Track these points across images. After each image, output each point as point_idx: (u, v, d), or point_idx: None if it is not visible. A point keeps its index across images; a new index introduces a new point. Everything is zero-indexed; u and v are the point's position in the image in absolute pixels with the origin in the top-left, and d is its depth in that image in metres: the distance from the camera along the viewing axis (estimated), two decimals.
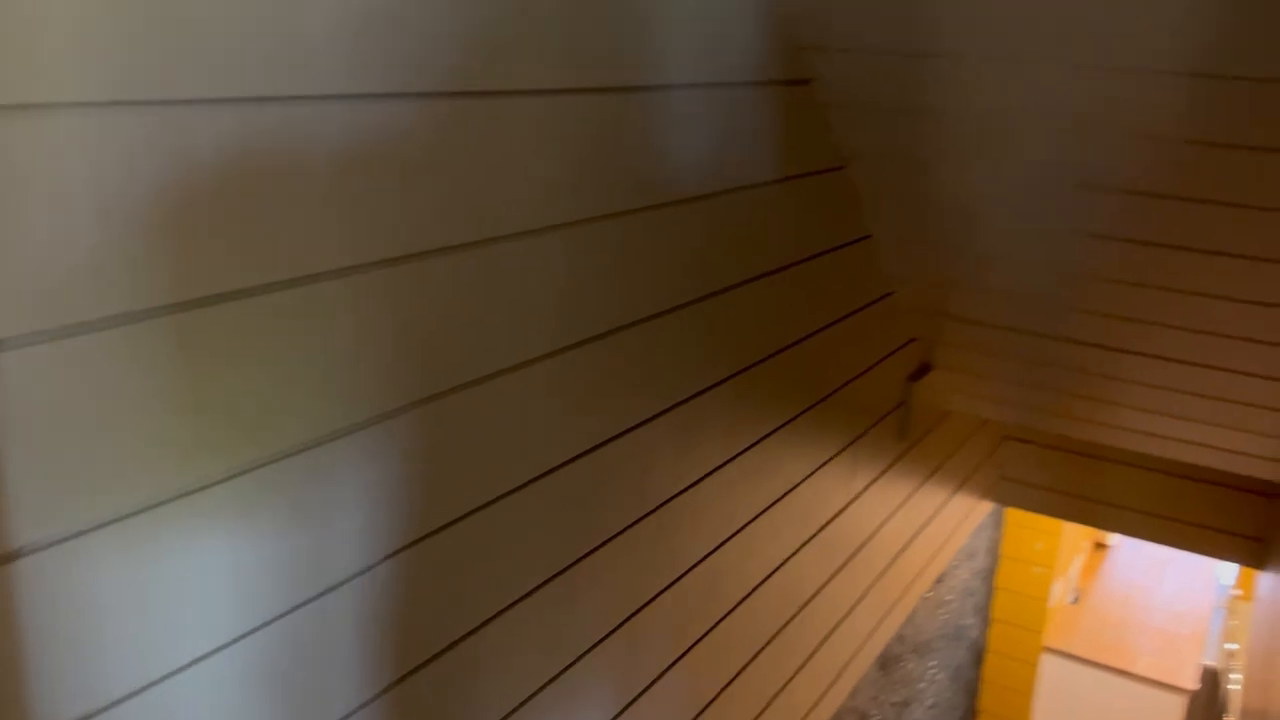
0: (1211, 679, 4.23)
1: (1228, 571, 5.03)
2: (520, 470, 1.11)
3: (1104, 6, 1.22)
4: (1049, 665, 4.29)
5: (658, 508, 1.40)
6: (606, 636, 1.35)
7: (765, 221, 1.52)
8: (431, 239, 0.92)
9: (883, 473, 2.33)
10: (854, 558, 2.26)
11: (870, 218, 1.89)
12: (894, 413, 2.32)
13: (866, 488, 2.24)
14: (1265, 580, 2.80)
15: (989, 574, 4.21)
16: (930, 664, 3.62)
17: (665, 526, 1.43)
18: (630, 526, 1.35)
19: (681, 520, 1.48)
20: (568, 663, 1.28)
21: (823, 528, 2.04)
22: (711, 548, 1.60)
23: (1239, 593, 5.22)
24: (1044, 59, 1.34)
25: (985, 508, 3.46)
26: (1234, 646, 4.55)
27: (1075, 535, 4.57)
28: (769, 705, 1.99)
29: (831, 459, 2.02)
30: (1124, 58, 1.28)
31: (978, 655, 4.33)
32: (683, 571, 1.52)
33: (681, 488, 1.46)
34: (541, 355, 1.10)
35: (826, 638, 2.22)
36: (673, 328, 1.34)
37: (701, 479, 1.52)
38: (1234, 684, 4.36)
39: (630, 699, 1.46)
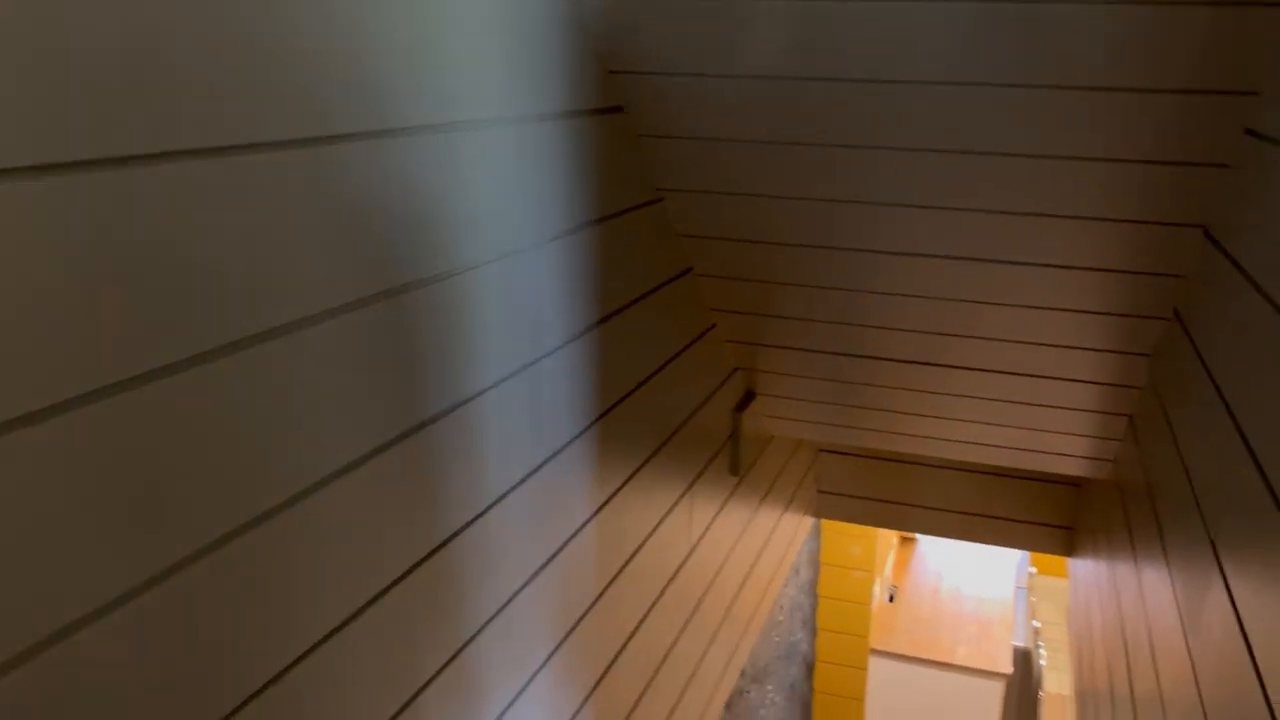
0: (1023, 658, 4.41)
1: (1025, 553, 5.30)
2: (362, 592, 0.88)
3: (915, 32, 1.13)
4: (875, 667, 4.35)
5: (511, 599, 1.20)
6: None
7: (592, 265, 1.35)
8: (181, 348, 0.68)
9: (718, 512, 2.21)
10: (699, 607, 2.13)
11: (690, 250, 1.77)
12: (725, 447, 2.21)
13: (705, 531, 2.11)
14: (1078, 565, 2.89)
15: (813, 585, 4.21)
16: (768, 688, 3.56)
17: (514, 621, 1.23)
18: (484, 627, 1.14)
19: (536, 607, 1.28)
20: None
21: (668, 584, 1.89)
22: (568, 629, 1.41)
23: (1035, 571, 5.52)
24: (847, 80, 1.24)
25: (808, 524, 3.43)
26: (1038, 624, 4.78)
27: (887, 534, 4.67)
28: None
29: (673, 508, 1.87)
30: (926, 73, 1.20)
31: (809, 668, 4.33)
32: (540, 663, 1.32)
33: (537, 568, 1.26)
34: (360, 457, 0.88)
35: (681, 695, 2.07)
36: (513, 394, 1.14)
37: (557, 552, 1.33)
38: (1043, 659, 4.57)
39: None
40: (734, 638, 2.49)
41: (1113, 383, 1.92)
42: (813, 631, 4.33)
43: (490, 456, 1.13)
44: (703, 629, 2.18)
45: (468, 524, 1.10)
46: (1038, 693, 4.51)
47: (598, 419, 1.44)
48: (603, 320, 1.42)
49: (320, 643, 0.87)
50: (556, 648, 1.39)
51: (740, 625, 2.54)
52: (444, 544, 1.05)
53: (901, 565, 5.04)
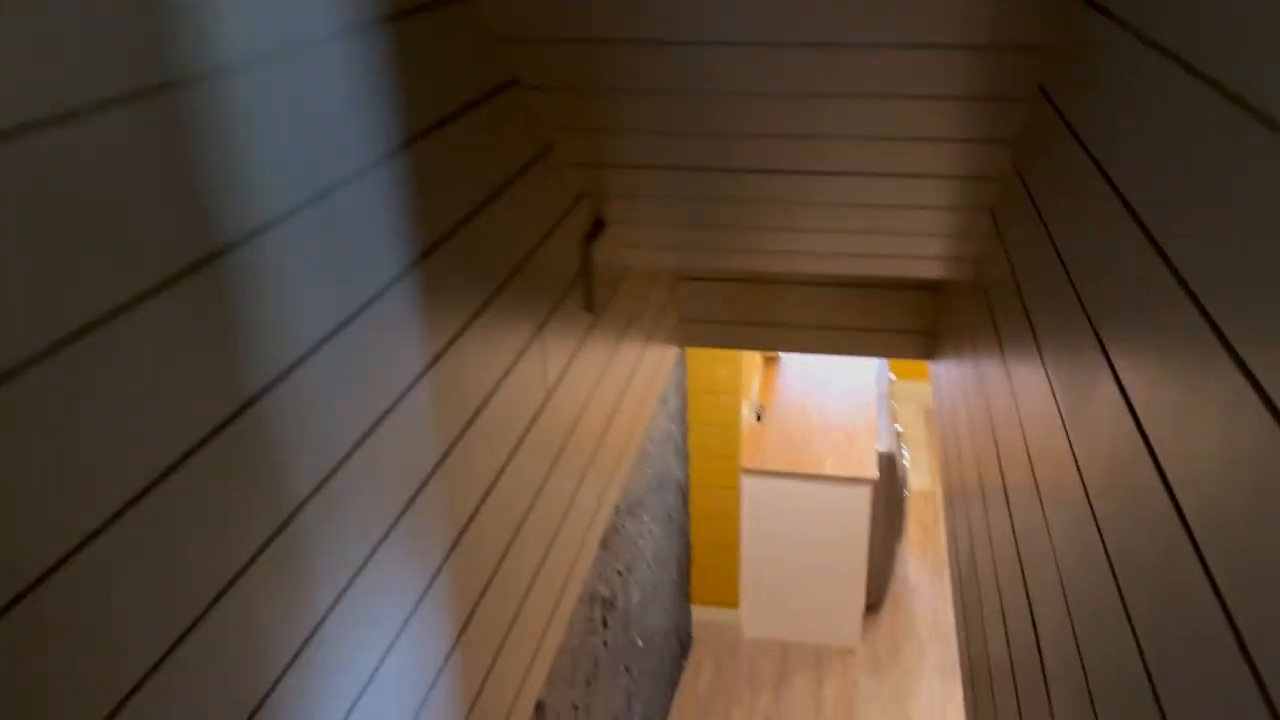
0: (888, 462, 4.55)
1: (884, 362, 5.42)
2: (141, 472, 0.70)
3: None
4: (748, 485, 4.42)
5: (338, 466, 1.03)
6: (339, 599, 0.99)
7: (391, 73, 1.13)
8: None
9: (575, 352, 2.07)
10: (564, 451, 2.01)
11: (517, 58, 1.55)
12: (577, 282, 2.05)
13: (562, 374, 1.97)
14: (940, 369, 2.91)
15: (682, 413, 4.19)
16: (644, 519, 3.55)
17: (344, 490, 1.07)
18: (306, 502, 0.98)
19: (369, 473, 1.12)
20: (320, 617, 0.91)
21: (526, 432, 1.76)
22: (413, 492, 1.26)
23: (894, 378, 5.67)
24: None
25: (672, 354, 3.35)
26: (900, 429, 4.93)
27: (752, 356, 4.67)
28: (511, 627, 1.73)
29: (523, 353, 1.72)
30: None
31: (684, 494, 4.36)
32: (384, 531, 1.17)
33: (365, 430, 1.10)
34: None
35: (553, 539, 1.98)
36: (303, 230, 0.94)
37: (387, 412, 1.16)
38: (906, 460, 4.73)
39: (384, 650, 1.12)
40: (604, 476, 2.41)
41: (972, 175, 1.83)
42: (685, 458, 4.34)
43: (284, 308, 0.94)
44: (569, 472, 2.07)
45: (266, 389, 0.91)
46: (903, 492, 4.70)
47: (420, 258, 1.25)
48: (410, 142, 1.21)
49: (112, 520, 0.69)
50: (401, 513, 1.24)
51: (610, 463, 2.46)
52: (237, 415, 0.87)
53: (767, 385, 5.08)
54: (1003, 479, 1.66)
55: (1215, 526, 0.70)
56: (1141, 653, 0.88)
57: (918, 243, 2.25)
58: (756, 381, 4.90)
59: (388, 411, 1.19)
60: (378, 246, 1.13)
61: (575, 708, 2.71)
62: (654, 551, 3.75)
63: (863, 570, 4.51)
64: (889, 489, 4.63)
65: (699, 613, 4.69)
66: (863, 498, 4.38)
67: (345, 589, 1.11)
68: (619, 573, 3.16)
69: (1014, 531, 1.50)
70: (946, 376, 2.72)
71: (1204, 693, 0.70)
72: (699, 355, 4.17)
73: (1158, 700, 0.82)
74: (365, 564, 1.15)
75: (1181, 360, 0.76)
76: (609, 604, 3.03)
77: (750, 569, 4.59)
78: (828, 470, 4.36)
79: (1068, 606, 1.17)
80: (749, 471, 4.40)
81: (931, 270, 2.40)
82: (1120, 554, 0.92)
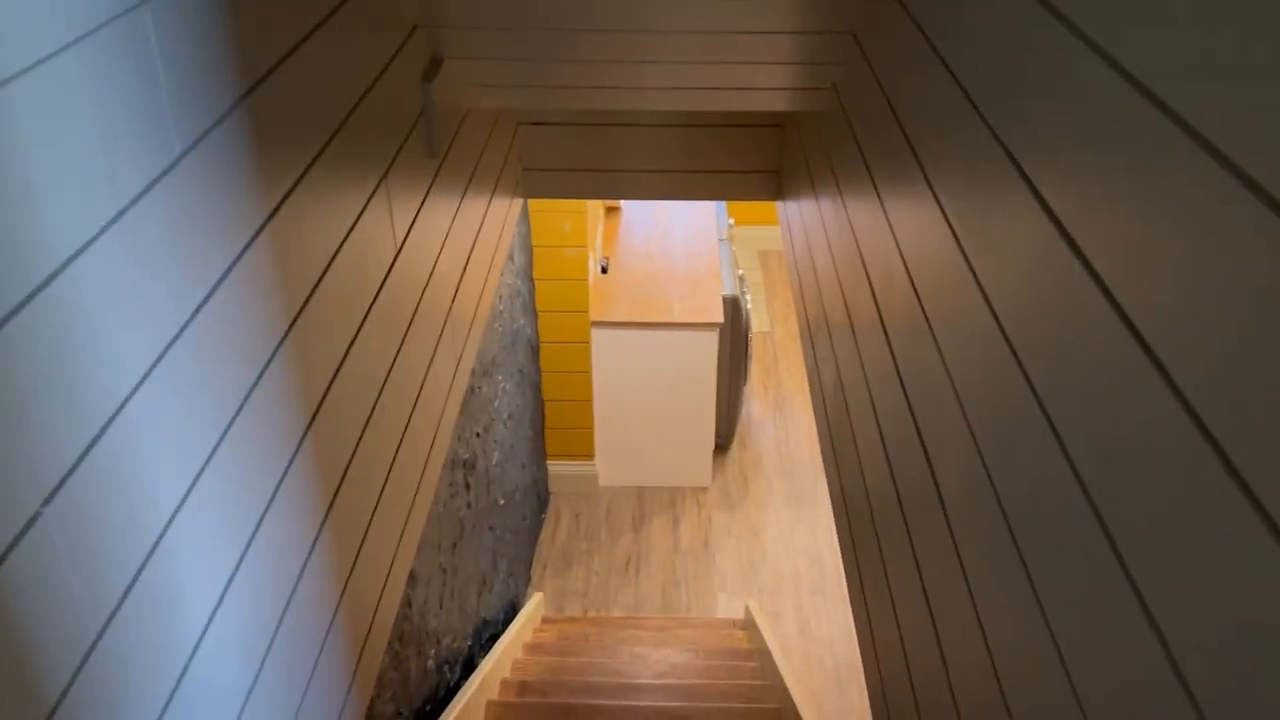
0: (733, 305, 4.59)
1: (722, 206, 5.40)
2: None
3: None
4: (598, 339, 4.38)
5: (165, 351, 0.89)
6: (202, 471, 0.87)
7: None
8: None
9: (422, 203, 1.91)
10: (419, 310, 1.88)
11: None
12: (417, 126, 1.87)
13: (410, 228, 1.82)
14: (789, 208, 2.89)
15: (528, 269, 4.07)
16: (498, 379, 3.46)
17: (174, 378, 0.92)
18: (132, 394, 0.83)
19: (201, 356, 0.97)
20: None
21: (377, 295, 1.61)
22: (255, 375, 1.12)
23: (733, 222, 5.68)
24: None
25: (517, 206, 3.20)
26: (741, 272, 4.96)
27: (595, 207, 4.55)
28: (378, 504, 1.63)
29: (366, 206, 1.55)
30: None
31: (535, 351, 4.28)
32: (226, 422, 1.04)
33: (191, 309, 0.94)
34: None
35: (413, 409, 1.87)
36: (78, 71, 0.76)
37: (216, 286, 1.01)
38: (748, 304, 4.79)
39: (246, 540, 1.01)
40: (459, 338, 2.29)
41: None
42: (534, 315, 4.24)
43: (74, 159, 0.77)
44: (425, 336, 1.94)
45: (55, 274, 0.75)
46: (747, 334, 4.77)
47: (235, 104, 1.07)
48: None
49: None
50: (244, 401, 1.10)
51: (464, 324, 2.34)
52: (34, 295, 0.71)
53: (610, 236, 4.99)
54: (878, 307, 1.65)
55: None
56: (984, 460, 0.93)
57: (767, 72, 2.16)
58: (600, 232, 4.80)
59: (221, 280, 1.03)
60: (185, 92, 0.95)
61: (444, 571, 2.66)
62: (510, 410, 3.68)
63: (712, 412, 4.60)
64: (733, 333, 4.68)
65: (556, 467, 4.70)
66: (710, 343, 4.42)
67: (192, 484, 0.98)
68: (477, 434, 3.08)
69: (895, 361, 1.49)
70: (799, 214, 2.70)
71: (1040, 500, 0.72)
72: (542, 208, 4.03)
73: (999, 502, 0.84)
74: (212, 454, 1.02)
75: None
76: (469, 466, 2.96)
77: (603, 420, 4.61)
78: (675, 318, 4.36)
79: (919, 426, 1.20)
80: (599, 324, 4.35)
81: (783, 102, 2.32)
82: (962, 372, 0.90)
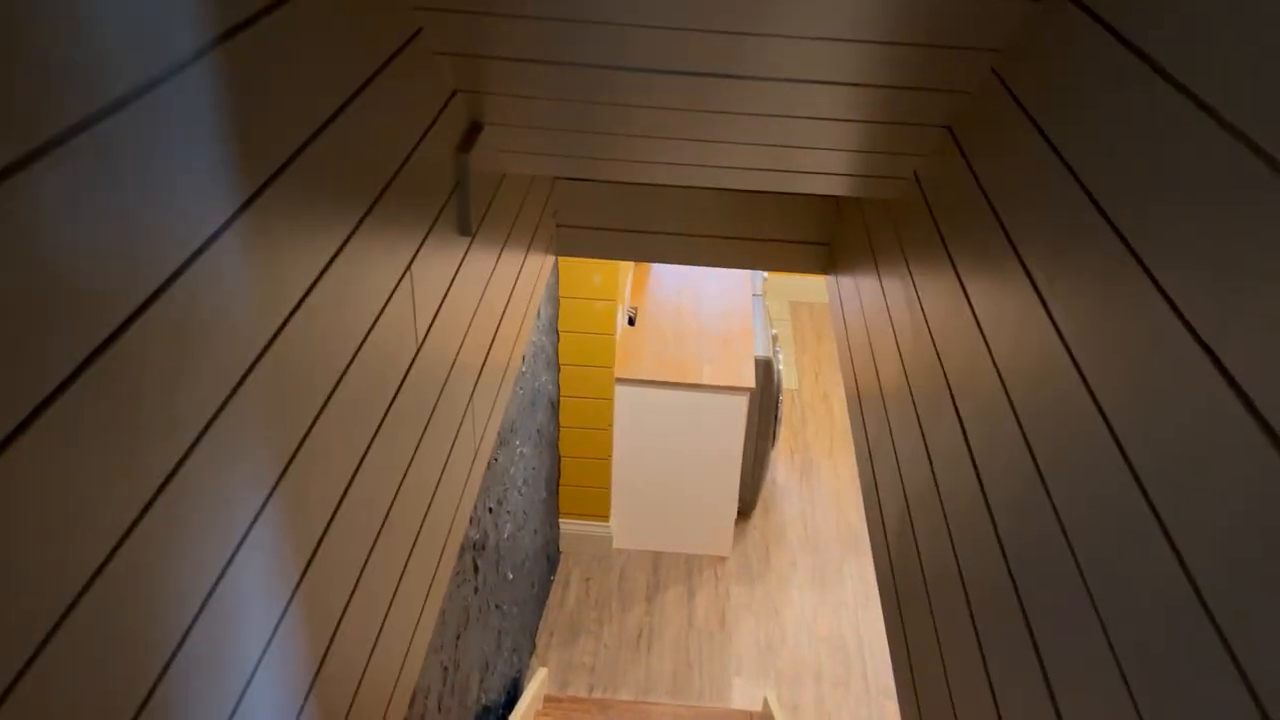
0: (765, 367, 4.37)
1: None
2: None
3: None
4: (622, 396, 4.15)
5: (216, 415, 0.67)
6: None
7: None
8: None
9: (449, 287, 1.70)
10: (438, 405, 1.66)
11: None
12: (450, 202, 1.66)
13: (435, 316, 1.61)
14: (843, 283, 2.67)
15: (554, 322, 3.85)
16: (516, 444, 3.24)
17: (205, 468, 0.71)
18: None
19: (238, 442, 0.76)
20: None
21: (394, 397, 1.40)
22: (266, 490, 0.90)
23: (766, 275, 5.46)
24: None
25: (549, 265, 2.99)
26: (775, 332, 4.75)
27: None
28: (380, 633, 1.41)
29: (392, 295, 1.35)
30: None
31: (555, 407, 4.06)
32: (254, 514, 0.82)
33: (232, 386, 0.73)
34: None
35: (425, 515, 1.65)
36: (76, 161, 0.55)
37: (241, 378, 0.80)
38: (780, 364, 4.56)
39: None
40: (480, 427, 2.07)
41: (932, 86, 1.53)
42: (557, 369, 4.03)
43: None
44: (442, 437, 1.73)
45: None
46: (778, 397, 4.54)
47: (263, 187, 0.86)
48: (228, 35, 0.80)
49: None
50: (274, 488, 0.89)
51: (485, 407, 2.12)
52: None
53: (639, 285, 4.78)
54: (951, 392, 1.47)
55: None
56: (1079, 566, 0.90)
57: (842, 159, 1.95)
58: (629, 282, 4.59)
59: (221, 408, 0.82)
60: (203, 178, 0.74)
61: (446, 669, 2.43)
62: (525, 476, 3.46)
63: (736, 479, 4.36)
64: (764, 396, 4.46)
65: (569, 526, 4.46)
66: (739, 407, 4.19)
67: (190, 625, 0.76)
68: (490, 509, 2.86)
69: (969, 447, 1.32)
70: (855, 290, 2.48)
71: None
72: (572, 259, 3.82)
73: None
74: (217, 582, 0.80)
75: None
76: (480, 547, 2.73)
77: (621, 480, 4.38)
78: (705, 380, 4.13)
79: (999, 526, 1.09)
80: (624, 381, 4.13)
81: (852, 189, 2.11)
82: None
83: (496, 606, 3.08)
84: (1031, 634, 1.06)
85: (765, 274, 5.22)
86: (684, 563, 4.49)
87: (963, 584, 1.36)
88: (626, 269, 4.37)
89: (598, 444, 4.26)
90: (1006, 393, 1.22)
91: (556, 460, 4.23)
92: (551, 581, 4.33)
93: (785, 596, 4.34)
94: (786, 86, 1.59)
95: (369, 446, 1.31)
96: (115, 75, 0.65)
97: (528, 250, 2.50)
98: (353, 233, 1.17)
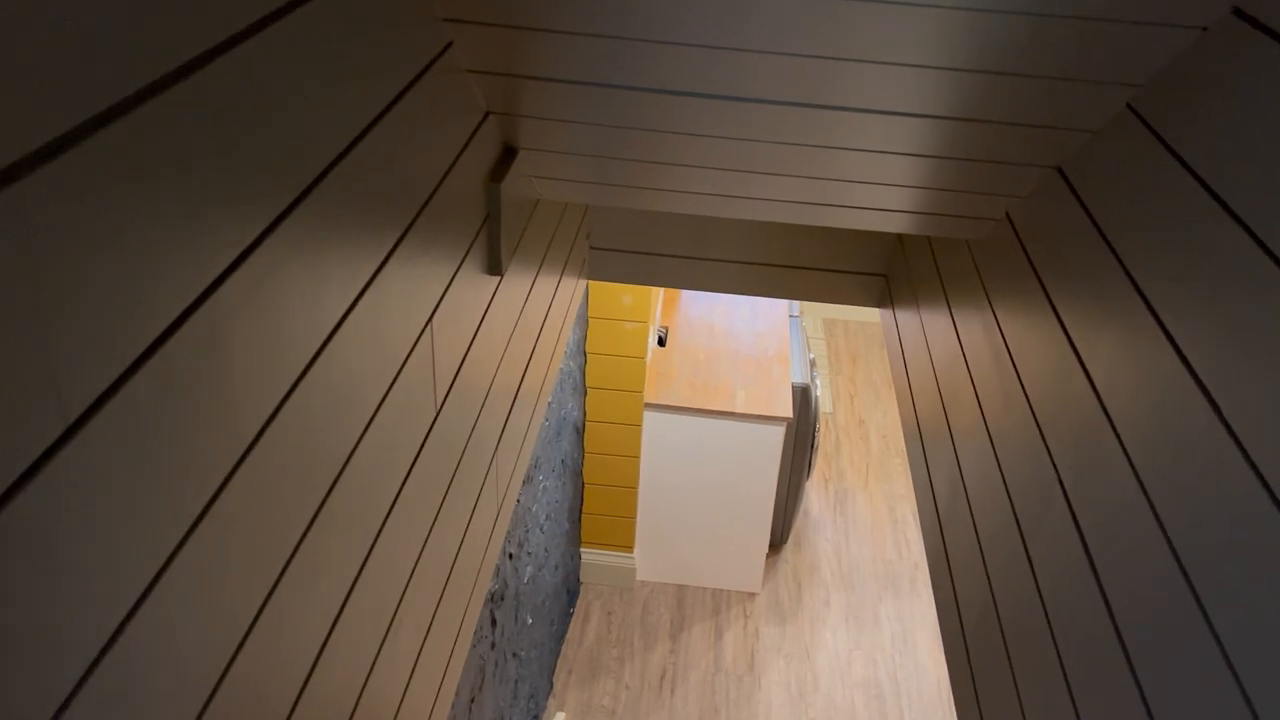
0: (802, 394, 4.14)
1: None
2: None
3: None
4: (651, 422, 3.93)
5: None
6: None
7: None
8: None
9: (474, 337, 1.48)
10: (459, 468, 1.45)
11: None
12: (479, 238, 1.45)
13: (457, 374, 1.39)
14: (900, 317, 2.44)
15: (581, 345, 3.64)
16: (539, 479, 3.02)
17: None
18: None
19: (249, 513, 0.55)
20: None
21: (410, 471, 1.19)
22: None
23: None
24: None
25: (580, 292, 2.77)
26: (813, 357, 4.51)
27: None
28: (420, 655, 1.20)
29: (412, 352, 1.13)
30: None
31: (580, 433, 3.85)
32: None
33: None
34: None
35: (442, 595, 1.44)
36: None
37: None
38: (818, 390, 4.33)
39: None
40: (503, 484, 1.86)
41: (1046, 124, 1.30)
42: (583, 393, 3.81)
43: None
44: (462, 504, 1.52)
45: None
46: (815, 426, 4.31)
47: (279, 218, 0.65)
48: (232, 41, 0.59)
49: None
50: (268, 599, 0.68)
51: (510, 463, 1.90)
52: None
53: (670, 304, 4.56)
54: (1041, 435, 1.29)
55: None
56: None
57: (919, 196, 1.72)
58: (660, 300, 4.37)
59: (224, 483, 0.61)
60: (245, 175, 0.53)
61: None
62: (548, 512, 3.24)
63: (769, 512, 4.13)
64: (800, 425, 4.23)
65: (590, 556, 4.25)
66: (775, 437, 3.97)
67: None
68: (510, 555, 2.64)
69: (1066, 495, 1.14)
70: (917, 325, 2.25)
71: None
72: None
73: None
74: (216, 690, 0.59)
75: None
76: (499, 599, 2.52)
77: (647, 510, 4.15)
78: (739, 407, 3.91)
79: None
80: (653, 407, 3.91)
81: (918, 226, 1.88)
82: None
83: (514, 655, 2.86)
84: (1140, 689, 0.97)
85: None
86: (710, 598, 4.27)
87: (1050, 628, 1.27)
88: (657, 288, 4.15)
89: (624, 472, 4.04)
90: (1121, 444, 1.10)
91: (580, 488, 4.01)
92: (571, 614, 4.12)
93: (818, 638, 4.11)
94: (864, 117, 1.36)
95: (379, 533, 1.10)
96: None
97: (560, 278, 2.29)
98: (366, 287, 0.96)
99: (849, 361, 5.96)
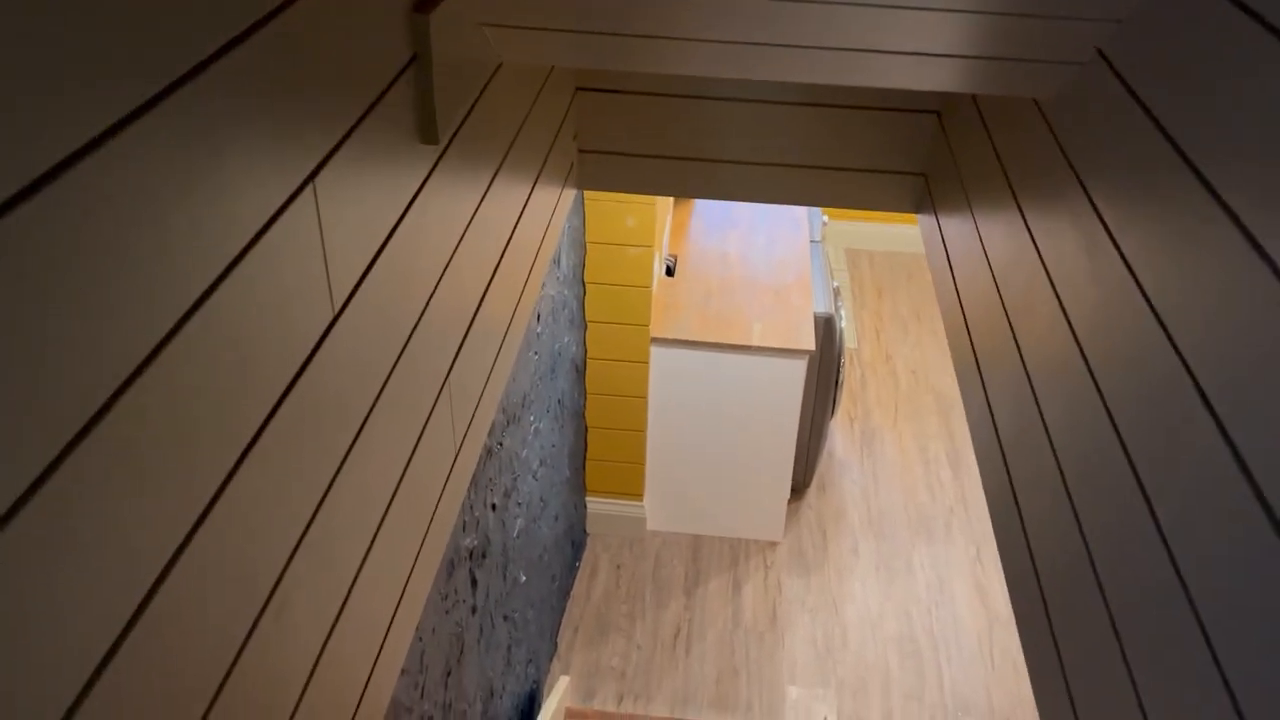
0: (825, 325, 3.76)
1: None
2: None
3: None
4: (658, 358, 3.58)
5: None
6: None
7: None
8: None
9: (404, 212, 1.12)
10: (400, 364, 1.10)
11: None
12: (400, 81, 1.07)
13: (370, 265, 1.03)
14: (945, 223, 2.05)
15: (578, 273, 3.27)
16: (529, 420, 2.68)
17: None
18: None
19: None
20: None
21: (330, 327, 0.83)
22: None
23: (827, 219, 4.83)
24: None
25: (566, 201, 2.40)
26: (837, 284, 4.13)
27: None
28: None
29: (293, 198, 0.77)
30: None
31: (580, 371, 3.49)
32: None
33: None
34: None
35: (395, 493, 1.10)
36: None
37: None
38: (843, 321, 3.95)
39: None
40: (462, 425, 1.50)
41: None
42: (583, 327, 3.45)
43: None
44: (404, 416, 1.16)
45: None
46: (840, 360, 3.94)
47: None
48: None
49: None
50: None
51: (472, 390, 1.55)
52: None
53: (679, 229, 4.17)
54: (1179, 357, 0.89)
55: None
56: None
57: (984, 30, 1.33)
58: (668, 225, 3.99)
59: None
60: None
61: (433, 714, 1.90)
62: (542, 457, 2.90)
63: (790, 454, 3.78)
64: (823, 358, 3.86)
65: (596, 505, 3.92)
66: (796, 372, 3.60)
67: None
68: (493, 506, 2.30)
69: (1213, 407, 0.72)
70: (970, 232, 1.87)
71: None
72: (602, 196, 3.22)
73: None
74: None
75: None
76: (479, 556, 2.18)
77: (657, 454, 3.81)
78: (755, 341, 3.54)
79: None
80: (660, 341, 3.55)
81: (976, 80, 1.49)
82: None
83: (505, 617, 2.54)
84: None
85: (826, 217, 4.58)
86: (728, 549, 3.94)
87: (1182, 583, 0.92)
88: (665, 209, 3.77)
89: (630, 413, 3.69)
90: None
91: (582, 432, 3.67)
92: (576, 569, 3.80)
93: (846, 589, 3.78)
94: None
95: (225, 482, 0.75)
96: None
97: (535, 181, 1.91)
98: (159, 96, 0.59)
99: (874, 295, 5.57)
